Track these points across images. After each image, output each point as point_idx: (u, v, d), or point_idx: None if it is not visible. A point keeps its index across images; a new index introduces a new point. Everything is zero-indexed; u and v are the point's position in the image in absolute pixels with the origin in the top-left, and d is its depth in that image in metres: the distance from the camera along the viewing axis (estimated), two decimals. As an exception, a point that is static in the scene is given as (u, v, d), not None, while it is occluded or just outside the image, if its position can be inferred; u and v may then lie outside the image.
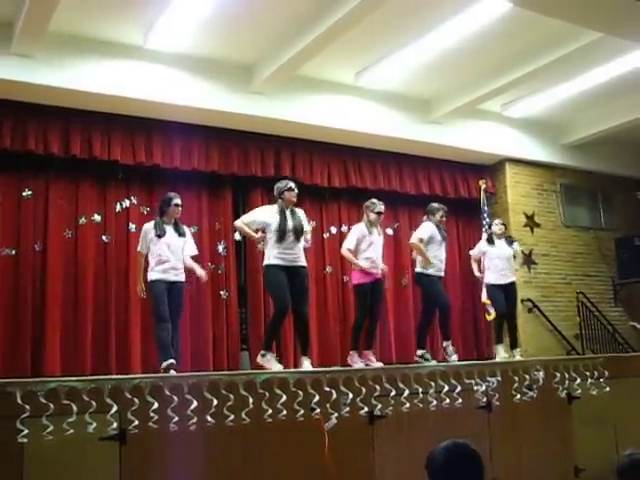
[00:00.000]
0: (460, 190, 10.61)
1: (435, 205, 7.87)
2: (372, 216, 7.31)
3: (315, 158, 9.41)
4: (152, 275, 6.54)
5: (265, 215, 6.61)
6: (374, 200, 7.45)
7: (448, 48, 8.10)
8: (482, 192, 10.45)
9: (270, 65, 8.03)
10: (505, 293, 8.22)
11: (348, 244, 7.22)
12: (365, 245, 7.19)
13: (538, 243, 10.77)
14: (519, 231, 10.54)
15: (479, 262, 8.45)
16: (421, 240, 7.54)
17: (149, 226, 6.70)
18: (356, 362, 7.01)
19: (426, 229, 7.63)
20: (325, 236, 9.58)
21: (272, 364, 6.29)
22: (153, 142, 8.28)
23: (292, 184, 6.75)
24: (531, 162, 10.94)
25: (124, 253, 8.14)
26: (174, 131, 8.40)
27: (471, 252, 8.63)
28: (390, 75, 8.83)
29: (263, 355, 6.39)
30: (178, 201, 6.76)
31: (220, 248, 8.78)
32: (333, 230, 9.69)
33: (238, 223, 6.79)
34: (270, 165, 9.03)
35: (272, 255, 6.45)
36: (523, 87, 9.32)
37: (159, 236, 6.63)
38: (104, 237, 8.12)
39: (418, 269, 7.61)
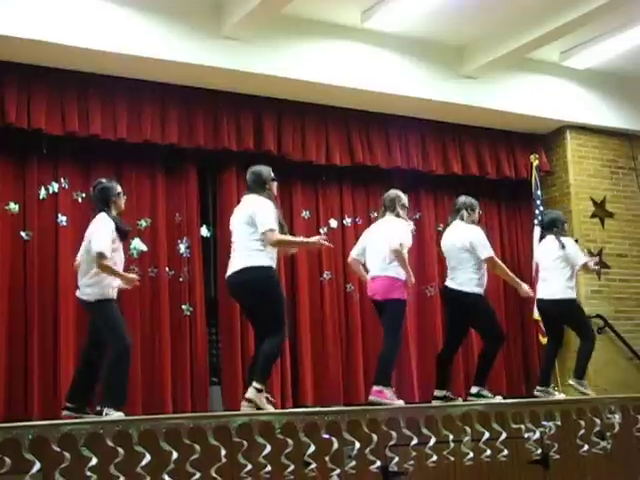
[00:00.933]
0: (504, 168, 10.61)
1: (471, 199, 8.09)
2: (404, 212, 7.71)
3: (309, 126, 9.41)
4: (109, 291, 6.55)
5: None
6: (399, 192, 7.79)
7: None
8: (534, 171, 10.48)
9: (246, 0, 8.00)
10: None
11: (405, 242, 7.41)
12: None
13: (611, 240, 10.77)
14: (585, 223, 10.55)
15: None
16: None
17: (111, 223, 6.59)
18: (392, 398, 7.11)
19: (485, 237, 7.85)
20: (322, 231, 9.56)
21: (265, 405, 6.33)
22: (90, 105, 8.25)
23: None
24: (601, 129, 10.94)
25: (51, 255, 8.12)
26: (118, 90, 8.39)
27: (589, 261, 8.57)
28: (408, 14, 8.82)
29: (260, 390, 6.37)
30: (120, 188, 6.87)
31: (182, 248, 8.77)
32: (333, 223, 9.68)
33: (280, 237, 6.67)
34: (248, 136, 9.03)
35: (268, 256, 6.64)
36: (590, 28, 9.30)
37: (123, 239, 6.68)
38: (23, 233, 8.09)
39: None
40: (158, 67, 8.25)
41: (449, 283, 7.91)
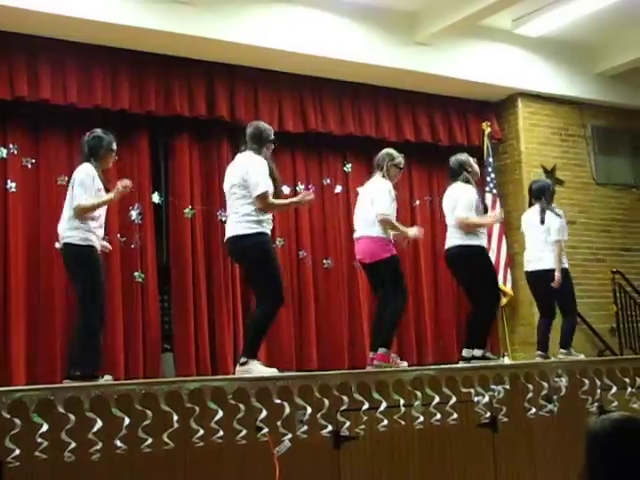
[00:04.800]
0: (456, 136, 10.70)
1: (463, 157, 7.90)
2: (394, 171, 7.46)
3: (262, 93, 9.40)
4: (87, 235, 6.31)
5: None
6: (392, 151, 7.56)
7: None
8: (486, 138, 10.56)
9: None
10: None
11: (388, 209, 7.20)
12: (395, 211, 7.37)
13: (561, 207, 10.71)
14: (535, 191, 10.64)
15: None
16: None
17: (94, 171, 6.40)
18: (400, 363, 7.17)
19: (470, 199, 7.59)
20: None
21: (261, 370, 6.24)
22: (39, 69, 8.18)
23: None
24: (552, 97, 11.05)
25: (1, 221, 8.06)
26: (68, 54, 8.32)
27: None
28: (362, -21, 8.82)
29: (243, 364, 6.24)
30: (115, 146, 6.67)
31: (133, 214, 8.74)
32: (286, 190, 9.66)
33: (271, 202, 6.43)
34: (200, 102, 9.01)
35: (263, 220, 6.44)
36: (542, -4, 9.38)
37: (107, 190, 6.47)
38: (-28, 200, 8.04)
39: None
40: (109, 31, 8.17)
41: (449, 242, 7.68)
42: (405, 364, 7.29)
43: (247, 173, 6.41)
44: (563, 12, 9.87)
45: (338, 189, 10.03)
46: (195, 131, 9.16)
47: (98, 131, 6.58)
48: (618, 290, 11.00)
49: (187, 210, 8.91)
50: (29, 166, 8.26)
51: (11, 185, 8.11)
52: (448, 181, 7.82)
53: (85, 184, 6.29)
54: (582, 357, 8.36)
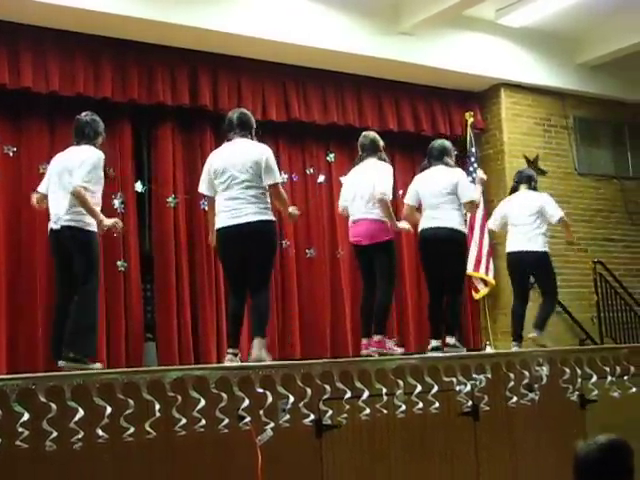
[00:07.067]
0: (439, 125, 10.71)
1: (447, 142, 7.95)
2: (385, 154, 7.48)
3: (245, 81, 9.37)
4: (91, 220, 6.26)
5: None
6: (374, 133, 7.58)
7: None
8: (469, 128, 10.56)
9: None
10: None
11: (389, 190, 7.12)
12: None
13: (543, 197, 10.90)
14: (518, 180, 10.66)
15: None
16: None
17: (103, 159, 6.32)
18: (392, 348, 7.17)
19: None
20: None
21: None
22: (20, 56, 8.13)
23: None
24: (535, 88, 11.08)
25: (-18, 211, 8.01)
26: (50, 41, 8.27)
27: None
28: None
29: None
30: None
31: (116, 203, 8.70)
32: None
33: (284, 193, 6.73)
34: (184, 90, 8.98)
35: (271, 209, 6.55)
36: (525, -14, 9.38)
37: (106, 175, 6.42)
38: (-47, 189, 7.99)
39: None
40: (91, 19, 8.12)
41: (432, 223, 7.52)
42: (401, 350, 7.27)
43: (263, 159, 6.38)
44: (546, 3, 9.91)
45: (321, 179, 10.01)
46: (178, 120, 9.13)
47: (90, 113, 6.50)
48: (599, 280, 11.03)
49: (170, 199, 8.88)
50: (10, 154, 8.21)
51: (-9, 174, 8.08)
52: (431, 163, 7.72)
53: (95, 172, 6.20)
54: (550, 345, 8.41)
